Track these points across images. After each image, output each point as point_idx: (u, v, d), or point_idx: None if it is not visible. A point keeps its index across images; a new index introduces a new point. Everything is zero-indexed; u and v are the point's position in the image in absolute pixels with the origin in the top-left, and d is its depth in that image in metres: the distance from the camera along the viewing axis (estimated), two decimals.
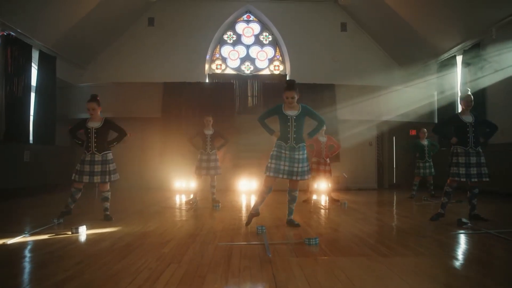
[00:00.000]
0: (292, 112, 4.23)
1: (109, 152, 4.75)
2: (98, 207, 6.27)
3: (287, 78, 12.03)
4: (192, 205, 6.20)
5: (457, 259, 3.05)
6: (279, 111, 4.27)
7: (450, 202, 4.98)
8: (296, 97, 4.20)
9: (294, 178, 4.19)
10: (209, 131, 6.34)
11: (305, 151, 4.27)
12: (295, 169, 4.17)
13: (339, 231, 4.18)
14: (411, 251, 3.20)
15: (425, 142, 7.55)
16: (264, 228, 3.89)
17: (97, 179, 4.60)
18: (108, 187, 4.77)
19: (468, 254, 3.25)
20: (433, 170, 7.55)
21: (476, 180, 4.60)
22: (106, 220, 4.63)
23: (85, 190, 4.86)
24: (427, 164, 7.51)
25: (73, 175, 4.59)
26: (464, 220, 4.35)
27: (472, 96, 4.81)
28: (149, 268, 2.59)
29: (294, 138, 4.21)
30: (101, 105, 4.80)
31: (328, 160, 6.89)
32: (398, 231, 4.24)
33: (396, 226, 4.60)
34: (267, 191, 4.30)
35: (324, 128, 7.14)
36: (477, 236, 3.81)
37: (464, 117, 4.77)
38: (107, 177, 4.64)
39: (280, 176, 4.16)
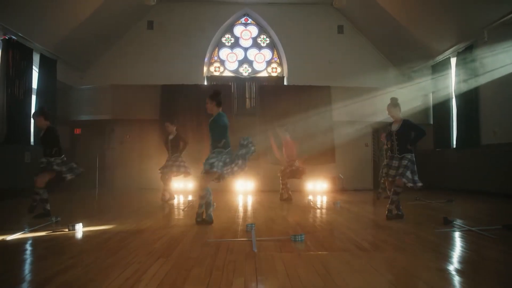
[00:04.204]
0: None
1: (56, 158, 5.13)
2: (96, 206, 6.42)
3: (285, 80, 12.19)
4: (188, 204, 6.34)
5: (434, 254, 3.17)
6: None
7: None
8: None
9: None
10: (170, 136, 6.57)
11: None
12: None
13: (326, 229, 4.31)
14: (391, 247, 3.33)
15: None
16: (253, 225, 4.03)
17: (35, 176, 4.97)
18: (42, 184, 4.92)
19: (446, 250, 3.37)
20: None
21: (391, 179, 4.92)
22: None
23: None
24: None
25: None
26: (449, 218, 4.47)
27: (390, 105, 5.02)
28: (138, 262, 2.74)
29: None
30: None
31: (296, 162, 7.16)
32: (384, 229, 4.36)
33: (383, 224, 4.72)
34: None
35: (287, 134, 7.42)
36: (459, 234, 3.92)
37: (392, 125, 5.05)
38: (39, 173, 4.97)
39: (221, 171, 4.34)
